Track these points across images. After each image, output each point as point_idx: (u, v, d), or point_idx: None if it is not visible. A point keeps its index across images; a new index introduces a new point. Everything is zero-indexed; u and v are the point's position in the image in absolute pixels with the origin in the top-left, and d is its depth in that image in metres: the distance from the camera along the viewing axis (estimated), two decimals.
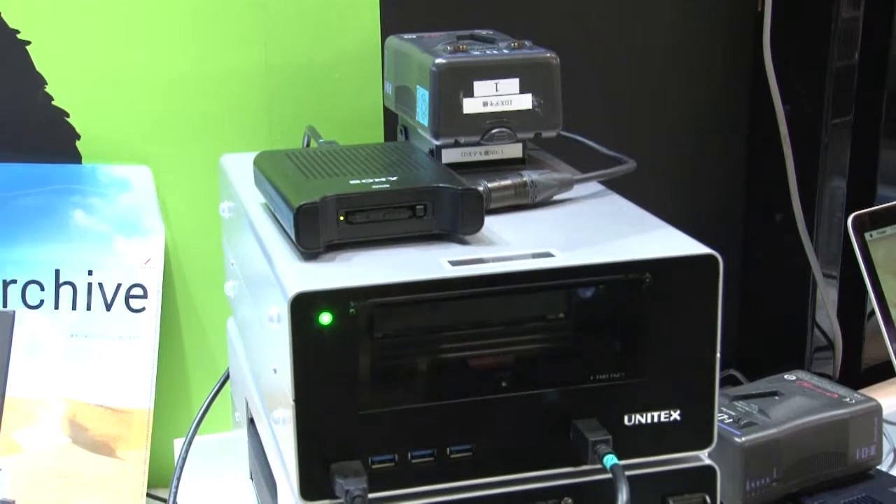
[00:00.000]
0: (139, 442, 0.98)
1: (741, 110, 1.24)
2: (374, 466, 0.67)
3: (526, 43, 0.83)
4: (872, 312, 1.08)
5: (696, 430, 0.72)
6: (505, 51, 0.82)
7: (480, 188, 0.75)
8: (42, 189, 0.99)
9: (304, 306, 0.64)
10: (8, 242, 0.99)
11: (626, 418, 0.71)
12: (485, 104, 0.80)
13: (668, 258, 0.69)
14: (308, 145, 0.96)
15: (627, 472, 0.67)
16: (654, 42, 1.19)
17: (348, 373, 0.66)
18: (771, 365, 1.10)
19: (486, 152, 0.84)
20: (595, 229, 0.75)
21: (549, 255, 0.69)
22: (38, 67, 0.97)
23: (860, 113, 1.18)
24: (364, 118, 1.04)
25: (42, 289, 0.99)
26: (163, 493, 0.97)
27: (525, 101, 0.81)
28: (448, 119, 0.80)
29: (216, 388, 0.96)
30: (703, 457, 0.73)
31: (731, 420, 0.93)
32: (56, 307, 0.99)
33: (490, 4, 1.10)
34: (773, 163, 1.18)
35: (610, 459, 0.67)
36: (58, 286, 0.99)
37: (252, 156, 0.82)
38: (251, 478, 0.93)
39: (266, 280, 0.71)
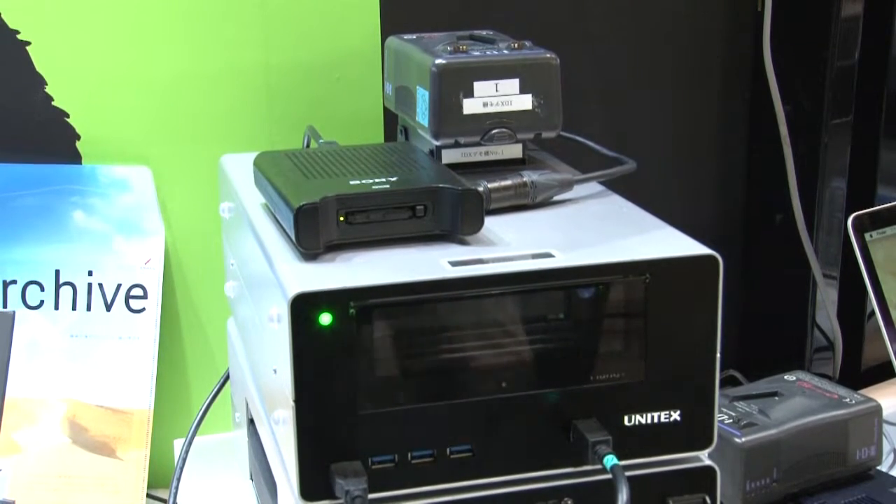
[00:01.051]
0: (139, 442, 0.98)
1: (741, 110, 1.24)
2: (374, 466, 0.67)
3: (526, 43, 0.83)
4: (872, 313, 1.08)
5: (696, 431, 0.72)
6: (505, 51, 0.82)
7: (480, 188, 0.75)
8: (42, 189, 0.99)
9: (304, 306, 0.64)
10: (8, 242, 0.99)
11: (626, 418, 0.71)
12: (485, 104, 0.80)
13: (668, 258, 0.69)
14: (308, 145, 0.96)
15: (627, 473, 0.66)
16: (654, 42, 1.19)
17: (348, 373, 0.66)
18: (771, 365, 1.10)
19: (486, 153, 0.84)
20: (595, 230, 0.75)
21: (549, 255, 0.69)
22: (38, 67, 0.97)
23: (860, 113, 1.18)
24: (364, 118, 1.04)
25: (42, 289, 0.99)
26: (163, 494, 0.97)
27: (525, 102, 0.81)
28: (448, 119, 0.80)
29: (216, 388, 0.96)
30: (703, 457, 0.73)
31: (731, 420, 0.93)
32: (56, 307, 0.99)
33: (490, 4, 1.10)
34: (773, 163, 1.18)
35: (610, 460, 0.67)
36: (58, 286, 0.99)
37: (252, 156, 0.81)
38: (251, 478, 0.93)
39: (266, 280, 0.71)
